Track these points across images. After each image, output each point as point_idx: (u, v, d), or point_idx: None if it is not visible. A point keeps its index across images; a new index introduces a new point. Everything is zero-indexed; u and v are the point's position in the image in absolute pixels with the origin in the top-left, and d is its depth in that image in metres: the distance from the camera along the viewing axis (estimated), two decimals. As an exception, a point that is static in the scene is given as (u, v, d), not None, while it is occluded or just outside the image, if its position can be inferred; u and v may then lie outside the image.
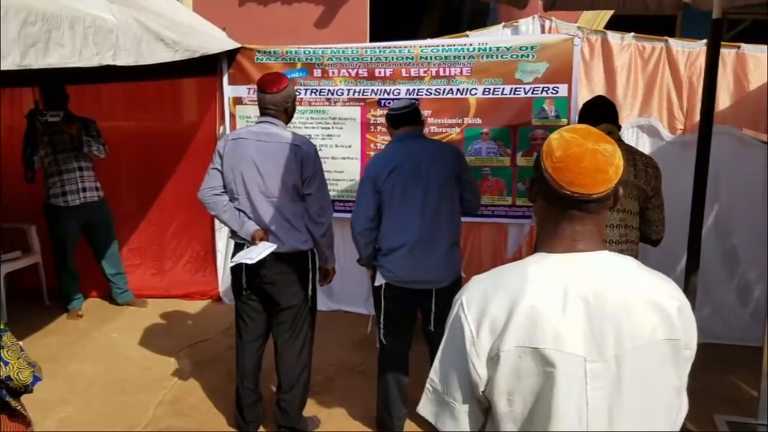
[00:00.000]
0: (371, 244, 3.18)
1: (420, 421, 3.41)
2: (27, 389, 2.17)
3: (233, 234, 3.22)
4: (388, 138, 4.74)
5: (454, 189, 3.14)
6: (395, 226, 3.10)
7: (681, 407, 1.31)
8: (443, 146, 3.39)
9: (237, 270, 3.18)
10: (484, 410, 1.31)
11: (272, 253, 3.04)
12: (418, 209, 3.06)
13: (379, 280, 3.19)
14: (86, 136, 4.80)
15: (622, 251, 2.78)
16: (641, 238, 3.01)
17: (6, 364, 2.07)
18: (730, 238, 4.49)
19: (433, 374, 1.34)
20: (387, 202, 3.11)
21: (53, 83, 4.78)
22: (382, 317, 3.24)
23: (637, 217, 2.93)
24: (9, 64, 2.53)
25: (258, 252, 3.00)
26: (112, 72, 3.58)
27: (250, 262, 2.99)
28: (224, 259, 5.30)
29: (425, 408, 1.36)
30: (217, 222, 5.11)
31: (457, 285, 3.19)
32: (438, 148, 3.25)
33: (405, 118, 3.20)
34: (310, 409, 3.52)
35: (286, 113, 3.18)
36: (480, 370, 1.23)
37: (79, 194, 4.92)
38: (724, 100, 4.36)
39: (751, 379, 3.83)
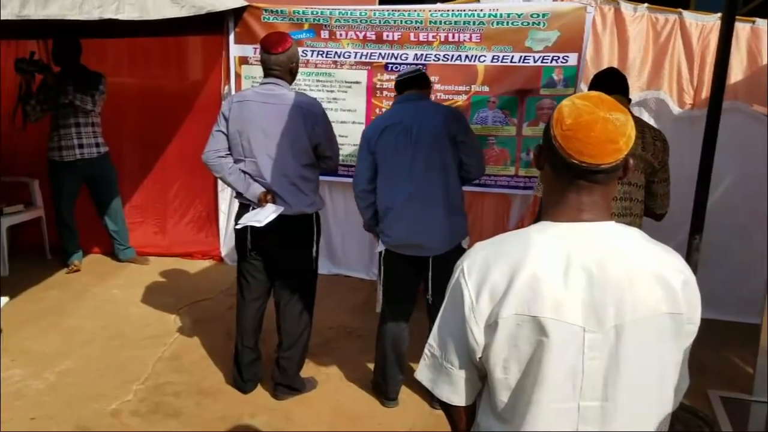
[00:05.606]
0: (371, 207, 3.20)
1: (416, 388, 3.45)
2: None
3: (238, 195, 3.21)
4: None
5: (447, 150, 3.05)
6: (387, 185, 3.11)
7: (680, 382, 1.30)
8: (438, 107, 3.33)
9: (242, 231, 3.17)
10: (481, 377, 1.31)
11: (278, 216, 3.04)
12: (407, 168, 3.04)
13: (380, 247, 3.22)
14: (69, 86, 4.71)
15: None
16: (645, 211, 2.99)
17: None
18: (732, 215, 4.46)
19: (432, 339, 1.34)
20: (380, 163, 3.11)
21: (62, 36, 4.73)
22: (381, 283, 3.27)
23: (642, 190, 2.91)
24: (8, 14, 2.49)
25: (265, 215, 2.99)
26: (116, 26, 3.53)
27: (258, 224, 2.99)
28: (227, 220, 5.30)
29: (422, 374, 1.37)
30: (220, 183, 5.10)
31: (456, 255, 3.15)
32: (432, 108, 3.19)
33: (409, 83, 3.18)
34: (308, 370, 3.55)
35: (290, 73, 3.14)
36: (478, 336, 1.23)
37: (74, 150, 4.89)
38: (736, 75, 4.30)
39: (746, 355, 3.84)
